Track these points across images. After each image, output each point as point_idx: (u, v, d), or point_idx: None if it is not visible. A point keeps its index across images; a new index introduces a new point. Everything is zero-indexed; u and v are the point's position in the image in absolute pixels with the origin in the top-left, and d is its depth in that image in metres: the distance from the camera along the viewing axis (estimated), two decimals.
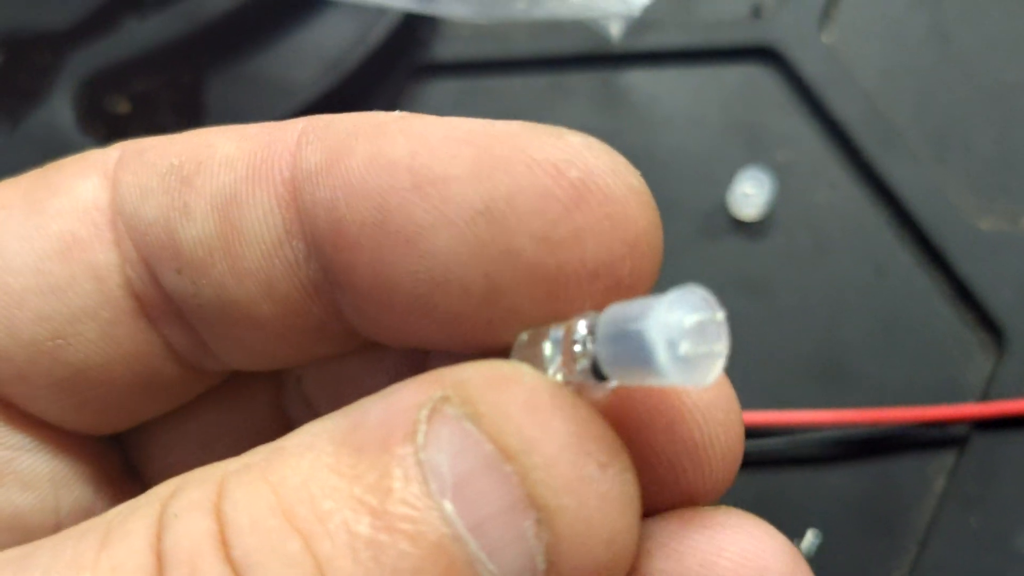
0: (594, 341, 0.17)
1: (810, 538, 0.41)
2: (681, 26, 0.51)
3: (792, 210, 0.47)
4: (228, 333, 0.21)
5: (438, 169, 0.18)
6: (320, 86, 0.47)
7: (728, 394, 0.19)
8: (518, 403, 0.16)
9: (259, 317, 0.20)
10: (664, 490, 0.19)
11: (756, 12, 0.51)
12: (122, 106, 0.49)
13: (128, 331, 0.21)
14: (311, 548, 0.15)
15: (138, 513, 0.16)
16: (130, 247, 0.21)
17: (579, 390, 0.17)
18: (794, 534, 0.42)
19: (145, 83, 0.49)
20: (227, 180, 0.20)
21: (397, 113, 0.20)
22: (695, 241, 0.47)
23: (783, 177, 0.47)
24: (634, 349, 0.15)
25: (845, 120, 0.48)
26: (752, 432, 0.43)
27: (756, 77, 0.50)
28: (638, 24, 0.50)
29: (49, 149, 0.46)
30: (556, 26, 0.51)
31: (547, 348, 0.17)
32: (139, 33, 0.48)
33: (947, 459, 0.42)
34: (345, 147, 0.19)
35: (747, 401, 0.43)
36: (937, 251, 0.45)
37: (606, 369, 0.16)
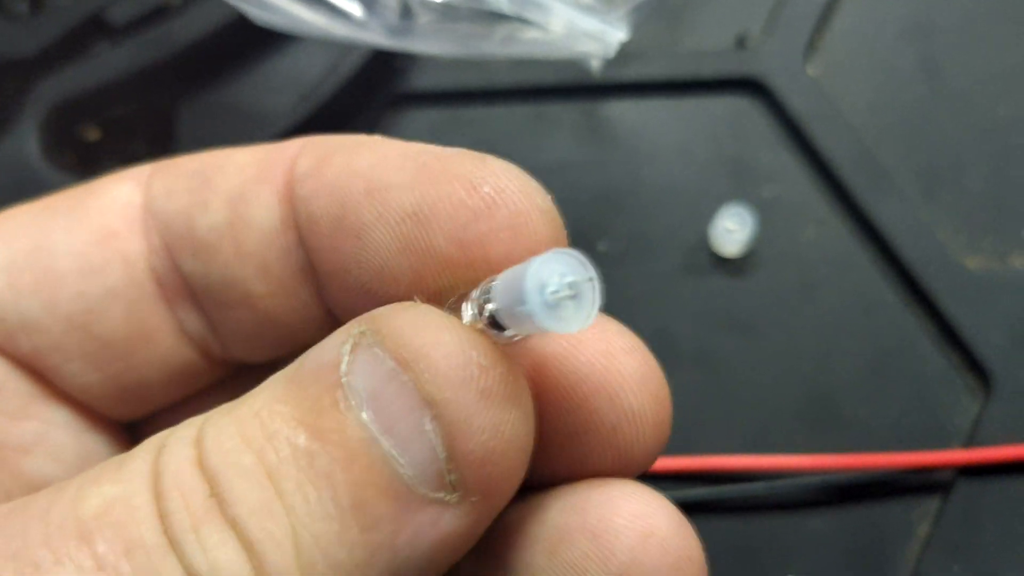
0: (496, 327, 0.20)
1: None
2: (665, 56, 0.50)
3: (777, 247, 0.46)
4: (230, 314, 0.25)
5: (385, 179, 0.22)
6: (295, 115, 0.46)
7: (658, 373, 0.23)
8: (411, 324, 0.19)
9: (254, 295, 0.25)
10: (605, 453, 0.22)
11: (741, 43, 0.50)
12: (92, 134, 0.48)
13: (149, 311, 0.26)
14: (262, 460, 0.18)
15: (143, 448, 0.20)
16: (156, 239, 0.25)
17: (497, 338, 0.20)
18: None
19: (116, 110, 0.48)
20: (239, 181, 0.25)
21: (377, 137, 0.24)
22: (676, 276, 0.46)
23: (768, 213, 0.46)
24: (518, 299, 0.19)
25: (831, 155, 0.47)
26: (734, 476, 0.42)
27: (741, 109, 0.49)
28: (621, 54, 0.49)
29: (15, 178, 0.45)
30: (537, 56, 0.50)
31: (466, 310, 0.21)
32: (110, 59, 0.47)
33: (931, 505, 0.42)
34: (327, 157, 0.23)
35: (729, 444, 0.43)
36: (924, 291, 0.45)
37: (504, 320, 0.20)
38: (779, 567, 0.41)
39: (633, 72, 0.50)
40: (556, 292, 0.19)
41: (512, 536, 0.23)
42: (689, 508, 0.41)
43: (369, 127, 0.49)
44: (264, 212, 0.24)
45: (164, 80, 0.47)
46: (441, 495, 0.19)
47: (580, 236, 0.47)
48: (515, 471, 0.19)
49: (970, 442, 0.42)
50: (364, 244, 0.22)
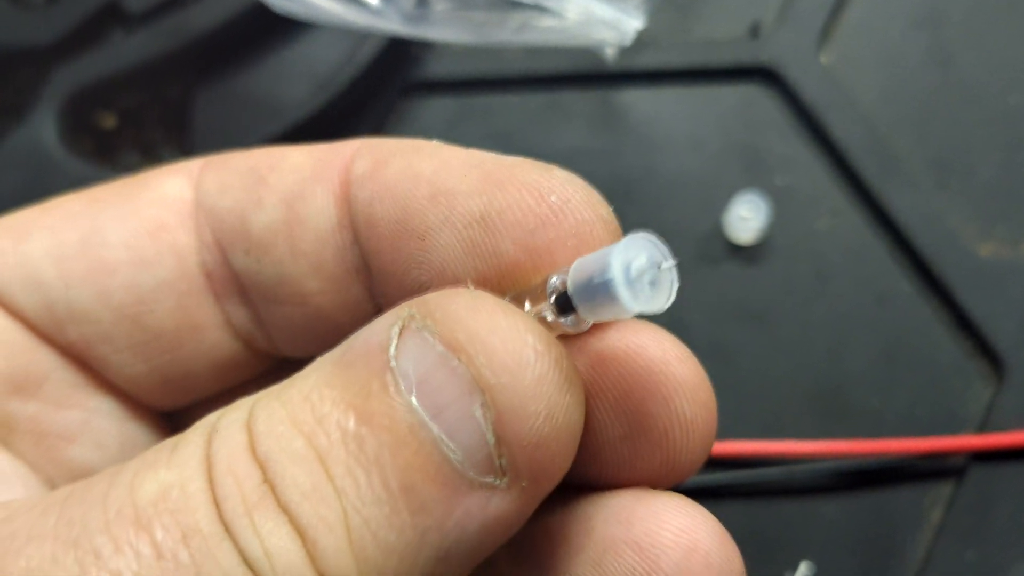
0: (565, 286, 0.20)
1: (803, 570, 0.41)
2: (679, 45, 0.50)
3: (790, 235, 0.46)
4: (280, 310, 0.26)
5: (450, 184, 0.22)
6: (310, 104, 0.46)
7: (708, 384, 0.23)
8: (463, 307, 0.19)
9: (307, 292, 0.25)
10: (653, 457, 0.22)
11: (754, 32, 0.50)
12: (108, 121, 0.48)
13: (198, 304, 0.26)
14: (312, 444, 0.19)
15: (195, 431, 0.20)
16: (207, 233, 0.26)
17: (554, 329, 0.21)
18: (787, 566, 0.41)
19: (132, 99, 0.48)
20: (295, 180, 0.25)
21: (434, 142, 0.24)
22: (691, 264, 0.46)
23: (781, 201, 0.47)
24: (598, 284, 0.19)
25: (844, 144, 0.47)
26: (747, 462, 0.42)
27: (754, 98, 0.49)
28: (635, 43, 0.49)
29: (33, 166, 0.45)
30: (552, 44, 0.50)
31: (526, 304, 0.21)
32: (125, 48, 0.47)
33: (944, 491, 0.42)
34: (385, 160, 0.24)
35: (742, 430, 0.43)
36: (937, 279, 0.45)
37: (577, 301, 0.20)
38: (792, 552, 0.41)
39: (647, 61, 0.50)
40: (641, 273, 0.19)
41: (556, 544, 0.23)
42: (703, 493, 0.42)
43: (384, 116, 0.49)
44: (320, 212, 0.24)
45: (180, 68, 0.47)
46: (490, 479, 0.19)
47: None
48: (565, 457, 0.19)
49: (983, 428, 0.42)
50: (427, 246, 0.23)
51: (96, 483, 0.20)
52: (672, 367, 0.22)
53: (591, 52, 0.49)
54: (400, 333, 0.19)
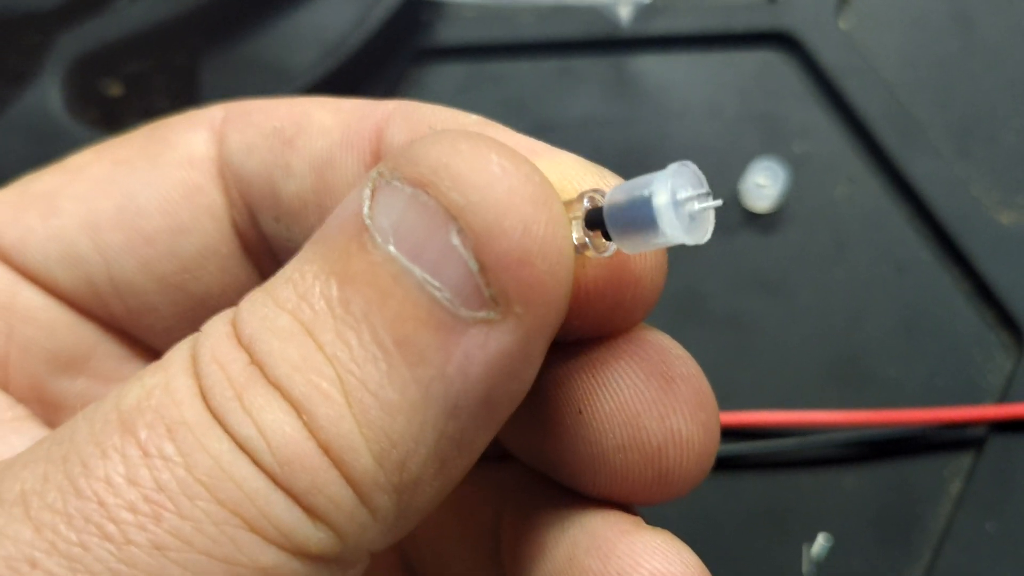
0: (597, 204, 0.20)
1: (821, 542, 0.40)
2: (694, 10, 0.49)
3: (808, 203, 0.46)
4: None
5: None
6: (319, 70, 0.45)
7: (712, 404, 0.23)
8: (425, 144, 0.18)
9: None
10: (647, 471, 0.22)
11: None
12: (114, 89, 0.47)
13: (239, 266, 0.26)
14: (297, 318, 0.18)
15: (182, 342, 0.19)
16: (235, 194, 0.25)
17: (584, 253, 0.20)
18: (805, 537, 0.41)
19: (138, 65, 0.47)
20: (324, 145, 0.24)
21: (475, 117, 0.23)
22: None
23: (799, 169, 0.46)
24: (642, 216, 0.19)
25: (864, 110, 0.47)
26: (764, 433, 0.42)
27: (771, 64, 0.49)
28: (649, 8, 0.49)
29: (38, 132, 0.45)
30: (565, 9, 0.49)
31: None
32: (131, 13, 0.46)
33: (964, 462, 0.41)
34: (424, 133, 0.23)
35: (760, 400, 0.42)
36: (957, 248, 0.44)
37: (611, 230, 0.20)
38: (810, 524, 0.41)
39: (661, 26, 0.49)
40: (685, 202, 0.19)
41: (536, 553, 0.23)
42: (720, 465, 0.41)
43: (394, 82, 0.48)
44: (351, 180, 0.24)
45: (187, 34, 0.47)
46: (483, 314, 0.18)
47: None
48: (555, 276, 0.18)
49: (1003, 399, 0.42)
50: None
51: (87, 408, 0.19)
52: (674, 385, 0.22)
53: (605, 17, 0.49)
54: (372, 193, 0.19)
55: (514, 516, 0.25)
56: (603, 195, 0.20)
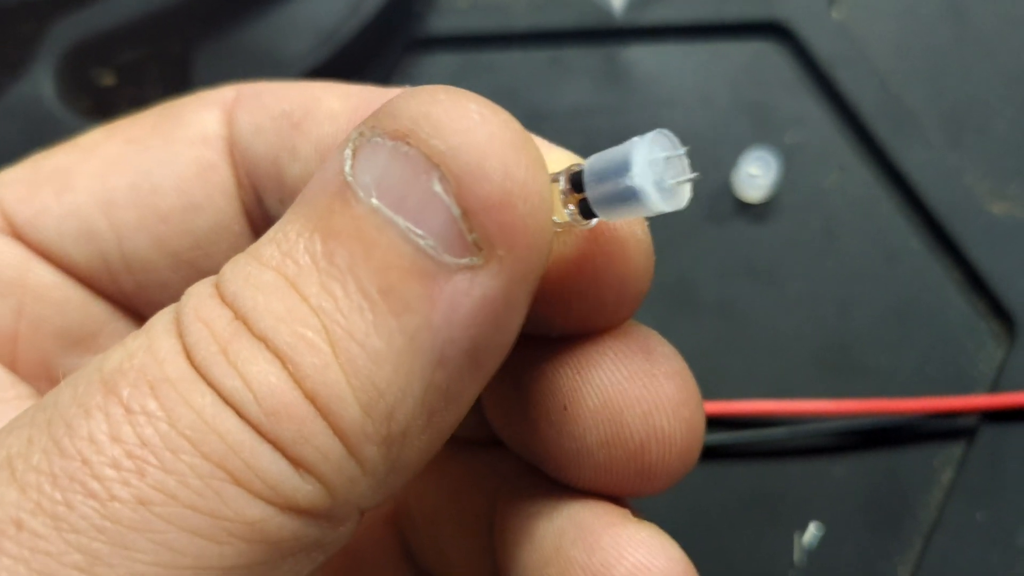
0: (575, 186, 0.20)
1: (812, 531, 0.40)
2: (687, 0, 0.49)
3: (800, 193, 0.46)
4: None
5: None
6: (312, 59, 0.45)
7: (696, 401, 0.23)
8: (404, 98, 0.19)
9: None
10: (629, 467, 0.23)
11: None
12: (107, 78, 0.47)
13: (248, 244, 0.25)
14: (282, 273, 0.18)
15: (166, 309, 0.19)
16: (243, 174, 0.25)
17: (569, 228, 0.21)
18: (796, 527, 0.41)
19: (131, 55, 0.47)
20: (330, 130, 0.24)
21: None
22: (699, 223, 0.45)
23: (791, 159, 0.46)
24: (623, 189, 0.19)
25: (856, 100, 0.46)
26: (754, 422, 0.42)
27: (764, 54, 0.49)
28: None
29: (31, 121, 0.45)
30: None
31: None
32: (125, 3, 0.46)
33: (955, 451, 0.41)
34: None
35: (750, 389, 0.42)
36: (949, 237, 0.44)
37: (592, 203, 0.20)
38: (801, 513, 0.41)
39: (654, 16, 0.49)
40: (671, 178, 0.19)
41: (525, 541, 0.23)
42: (710, 454, 0.41)
43: (387, 72, 0.48)
44: None
45: (180, 24, 0.47)
46: (466, 260, 0.18)
47: None
48: (536, 218, 0.19)
49: (994, 388, 0.42)
50: None
51: (70, 375, 0.19)
52: (657, 381, 0.22)
53: (597, 6, 0.49)
54: (354, 153, 0.19)
55: (506, 503, 0.25)
56: (581, 168, 0.20)
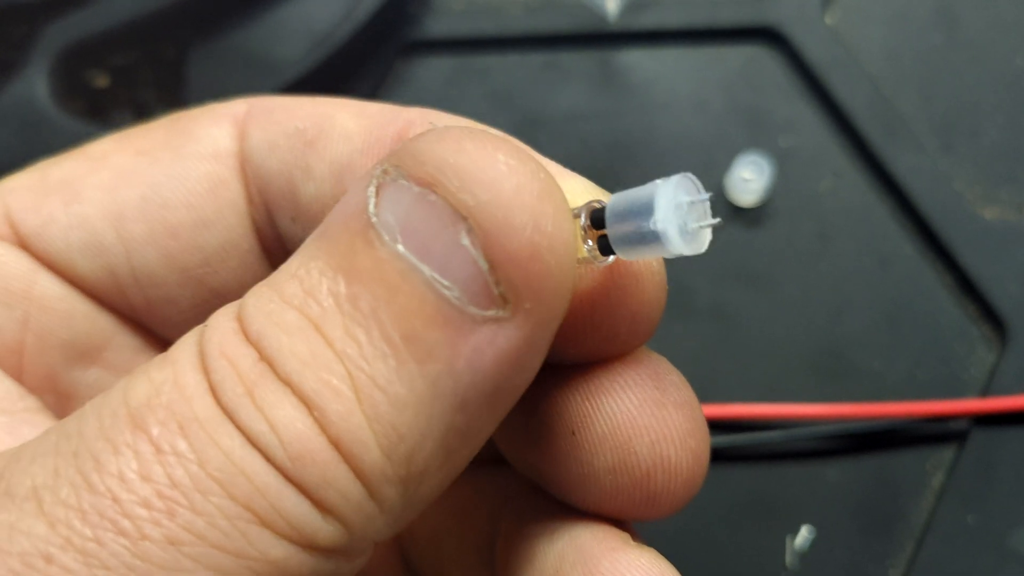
0: (595, 223, 0.20)
1: (804, 534, 0.41)
2: (680, 5, 0.49)
3: (793, 197, 0.46)
4: None
5: None
6: (306, 63, 0.45)
7: (703, 431, 0.23)
8: (429, 143, 0.18)
9: None
10: (634, 493, 0.23)
11: None
12: (101, 80, 0.47)
13: (259, 262, 0.26)
14: (305, 314, 0.18)
15: (188, 335, 0.19)
16: (255, 191, 0.25)
17: (587, 263, 0.21)
18: (788, 530, 0.41)
19: (125, 57, 0.47)
20: (345, 150, 0.24)
21: (497, 132, 0.23)
22: None
23: (784, 163, 0.46)
24: (645, 231, 0.19)
25: (849, 105, 0.47)
26: (747, 425, 0.42)
27: (757, 59, 0.49)
28: (636, 2, 0.49)
29: (25, 123, 0.44)
30: (552, 3, 0.50)
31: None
32: (118, 5, 0.46)
33: (946, 455, 0.42)
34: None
35: (743, 393, 0.42)
36: (941, 242, 0.44)
37: (615, 247, 0.20)
38: (793, 516, 0.41)
39: (648, 20, 0.49)
40: (694, 222, 0.19)
41: (525, 562, 0.23)
42: None
43: (382, 75, 0.48)
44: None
45: (174, 26, 0.47)
46: (492, 312, 0.18)
47: None
48: (563, 270, 0.19)
49: (986, 392, 0.42)
50: None
51: (93, 401, 0.19)
52: (666, 411, 0.22)
53: (592, 11, 0.49)
54: (377, 191, 0.19)
55: (509, 522, 0.25)
56: (603, 205, 0.21)
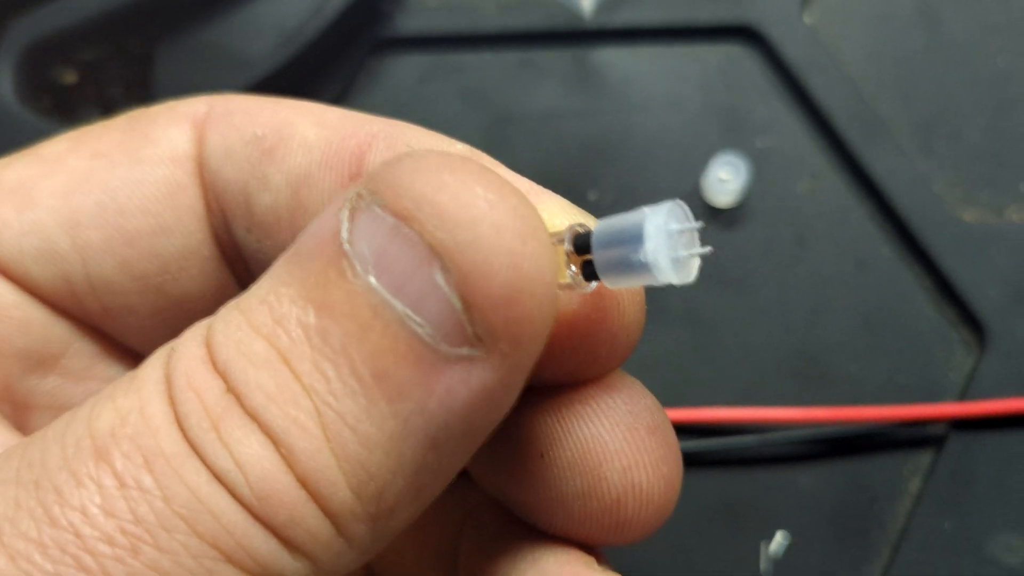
0: (579, 248, 0.20)
1: (779, 540, 0.40)
2: (657, 2, 0.49)
3: (770, 199, 0.45)
4: None
5: None
6: (276, 59, 0.45)
7: (675, 457, 0.22)
8: (407, 172, 0.18)
9: None
10: (604, 519, 0.22)
11: None
12: (68, 76, 0.47)
13: (219, 268, 0.25)
14: (273, 345, 0.18)
15: (153, 357, 0.19)
16: (211, 198, 0.25)
17: (569, 289, 0.20)
18: (763, 535, 0.40)
19: (92, 53, 0.47)
20: (303, 161, 0.23)
21: (462, 146, 0.23)
22: None
23: (761, 164, 0.45)
24: (634, 260, 0.18)
25: (827, 106, 0.46)
26: (722, 429, 0.42)
27: (735, 57, 0.48)
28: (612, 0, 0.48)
29: None
30: (527, 0, 0.49)
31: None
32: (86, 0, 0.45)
33: (923, 460, 0.41)
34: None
35: (718, 397, 0.42)
36: (920, 245, 0.44)
37: (601, 274, 0.19)
38: (768, 521, 0.41)
39: (624, 18, 0.49)
40: (684, 251, 0.19)
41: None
42: None
43: (353, 73, 0.48)
44: (327, 201, 0.23)
45: (142, 21, 0.46)
46: (466, 351, 0.17)
47: (569, 186, 0.45)
48: (542, 311, 0.18)
49: (964, 396, 0.42)
50: None
51: (56, 423, 0.19)
52: (639, 436, 0.22)
53: (567, 8, 0.48)
54: (351, 216, 0.18)
55: (472, 541, 0.25)
56: (587, 229, 0.20)
